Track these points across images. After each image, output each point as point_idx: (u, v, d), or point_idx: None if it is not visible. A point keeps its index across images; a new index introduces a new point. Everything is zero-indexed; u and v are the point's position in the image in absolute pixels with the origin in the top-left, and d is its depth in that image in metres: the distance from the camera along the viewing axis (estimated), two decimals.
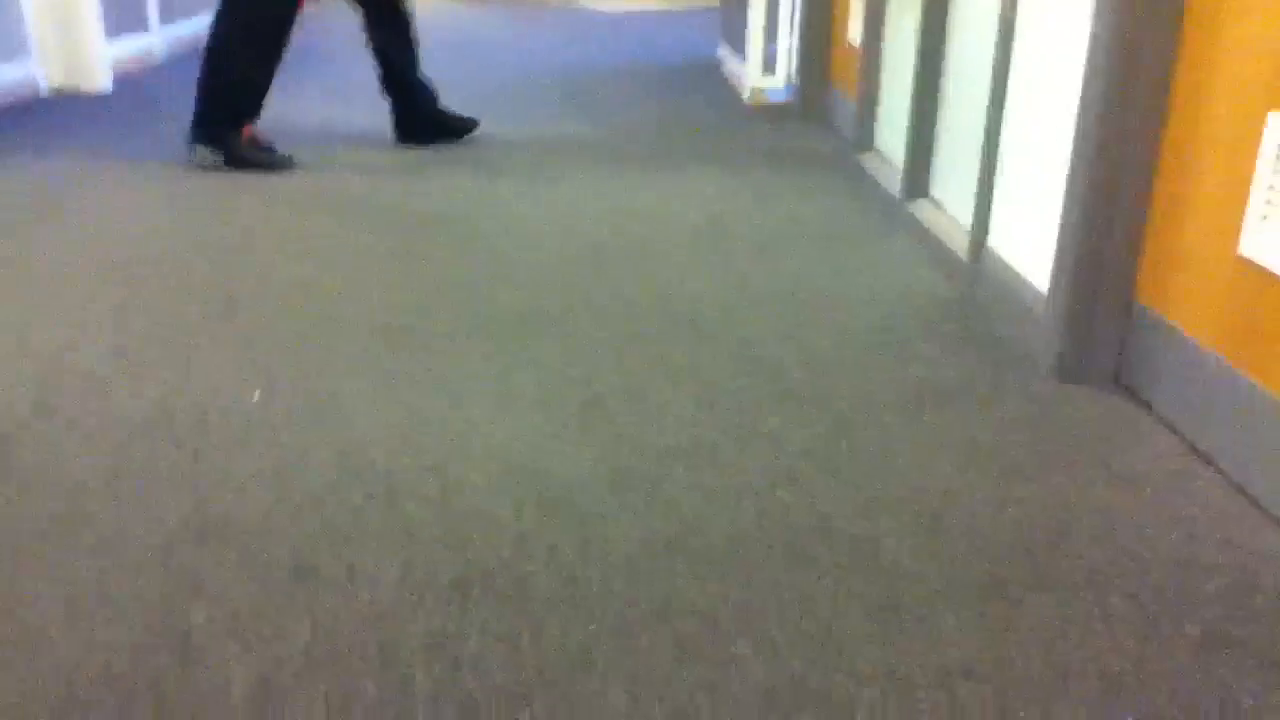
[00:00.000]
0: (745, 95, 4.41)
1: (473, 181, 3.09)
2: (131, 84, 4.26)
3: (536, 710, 1.05)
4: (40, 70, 3.93)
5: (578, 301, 2.17)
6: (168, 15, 4.95)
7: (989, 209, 2.23)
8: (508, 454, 1.54)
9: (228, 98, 3.08)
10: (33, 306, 2.04)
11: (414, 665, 1.11)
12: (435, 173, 3.16)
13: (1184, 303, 1.65)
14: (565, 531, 1.35)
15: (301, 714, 1.04)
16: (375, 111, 3.85)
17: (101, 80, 4.09)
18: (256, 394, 1.69)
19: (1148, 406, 1.73)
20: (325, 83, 4.67)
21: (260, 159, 3.14)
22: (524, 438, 1.60)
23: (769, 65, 4.37)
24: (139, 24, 4.66)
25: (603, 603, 1.21)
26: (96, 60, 4.08)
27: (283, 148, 3.33)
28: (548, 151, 3.48)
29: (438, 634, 1.16)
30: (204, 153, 3.08)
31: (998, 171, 2.20)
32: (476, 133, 3.65)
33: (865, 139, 3.31)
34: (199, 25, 5.42)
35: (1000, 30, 2.16)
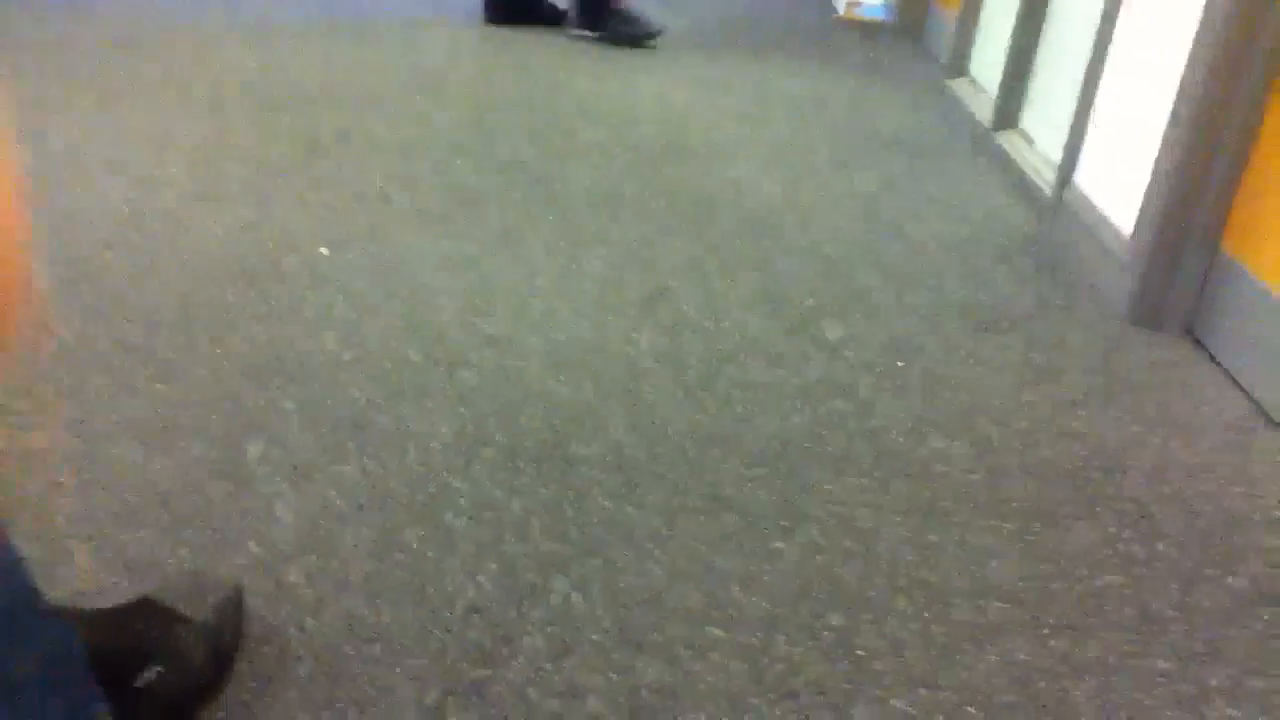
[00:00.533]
0: (839, 8, 4.28)
1: (555, 66, 3.06)
2: None
3: (573, 576, 1.07)
4: None
5: (654, 191, 2.15)
6: None
7: (1080, 145, 2.16)
8: (570, 329, 1.55)
9: None
10: (125, 138, 2.07)
11: (457, 523, 1.14)
12: (519, 55, 3.13)
13: (1272, 256, 1.60)
14: (618, 412, 1.37)
15: (343, 553, 1.07)
16: None
17: None
18: (325, 249, 1.71)
19: (1217, 360, 1.69)
20: None
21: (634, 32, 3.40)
22: (588, 315, 1.60)
23: None
24: None
25: (649, 485, 1.23)
26: None
27: (365, 20, 3.31)
28: (626, 52, 3.42)
29: (483, 496, 1.18)
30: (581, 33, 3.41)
31: (1093, 109, 2.12)
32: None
33: (961, 64, 3.20)
34: None
35: None
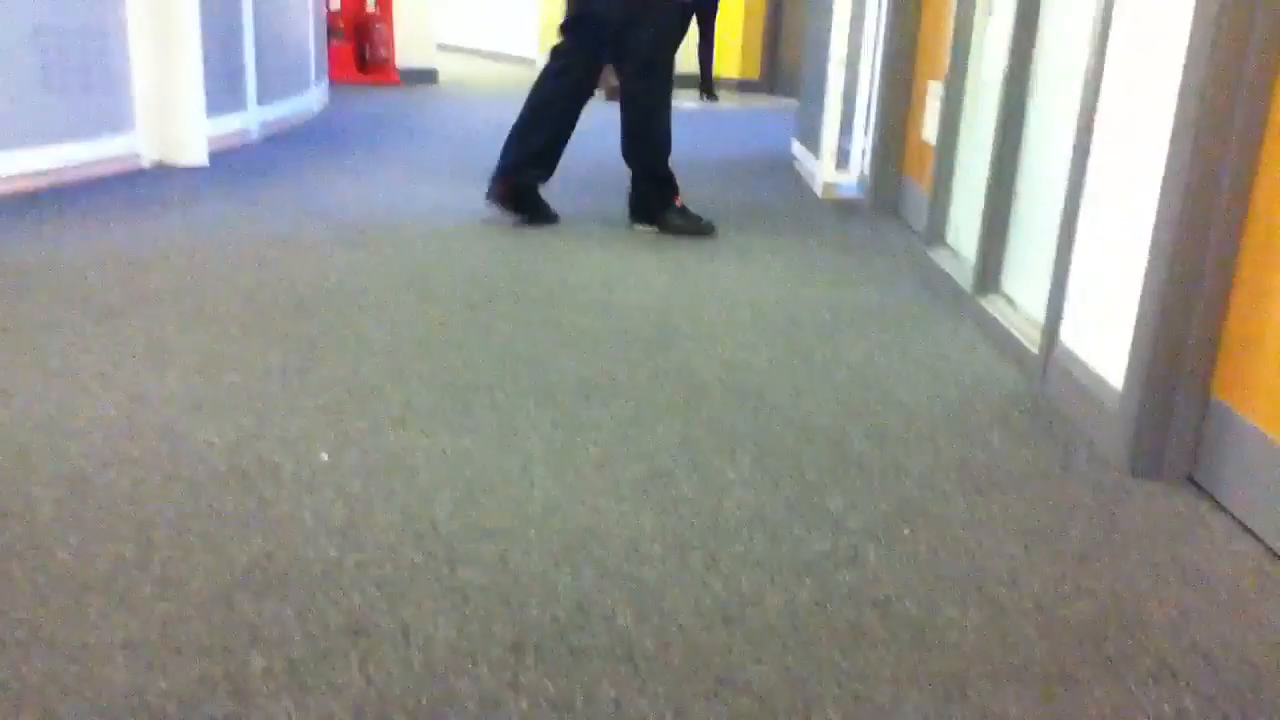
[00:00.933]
0: (818, 189, 4.45)
1: (543, 254, 3.15)
2: (225, 159, 4.45)
3: None
4: (142, 144, 4.12)
5: (644, 373, 2.18)
6: (264, 96, 5.18)
7: (1062, 304, 2.21)
8: (568, 518, 1.55)
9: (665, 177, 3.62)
10: (122, 350, 2.11)
11: None
12: (504, 249, 3.23)
13: (1264, 400, 1.61)
14: (622, 599, 1.34)
15: None
16: (450, 187, 3.96)
17: (198, 155, 4.28)
18: (325, 455, 1.72)
19: (1223, 506, 1.68)
20: (404, 160, 4.83)
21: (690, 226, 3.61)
22: (585, 503, 1.60)
23: (842, 161, 4.42)
24: (238, 104, 4.88)
25: (658, 673, 1.20)
26: (195, 136, 4.27)
27: (363, 221, 3.44)
28: (621, 231, 3.54)
29: (490, 696, 1.15)
30: (643, 229, 3.63)
31: (1072, 266, 2.18)
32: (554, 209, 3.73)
33: (937, 233, 3.31)
34: (288, 109, 5.66)
35: (1079, 127, 2.16)
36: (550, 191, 4.31)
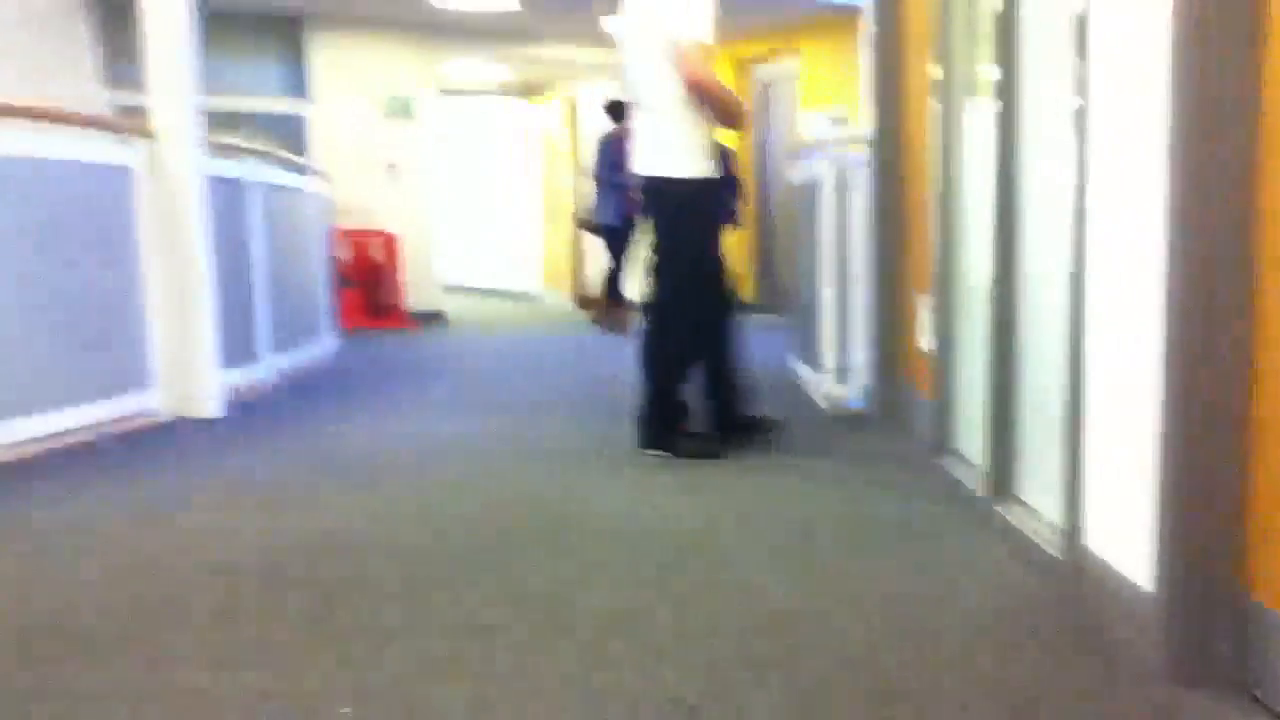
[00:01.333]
0: (821, 404, 4.51)
1: (551, 481, 3.16)
2: (240, 409, 4.53)
3: None
4: (159, 400, 4.22)
5: (663, 604, 2.15)
6: (277, 346, 5.33)
7: (1079, 505, 2.20)
8: None
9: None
10: (139, 609, 2.08)
11: None
12: (513, 477, 3.24)
13: None
14: None
15: None
16: (460, 423, 4.02)
17: (213, 407, 4.36)
18: (347, 710, 1.68)
19: (1274, 710, 1.62)
20: (416, 401, 4.91)
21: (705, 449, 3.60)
22: None
23: (842, 375, 4.50)
24: (251, 356, 5.02)
25: None
26: (210, 389, 4.37)
27: (376, 465, 3.47)
28: (627, 459, 3.56)
29: None
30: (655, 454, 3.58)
31: (1083, 466, 2.19)
32: (560, 437, 3.77)
33: (944, 441, 3.34)
34: (301, 357, 5.81)
35: (1070, 326, 2.22)
36: (555, 415, 4.37)
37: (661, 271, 3.62)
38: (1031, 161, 2.70)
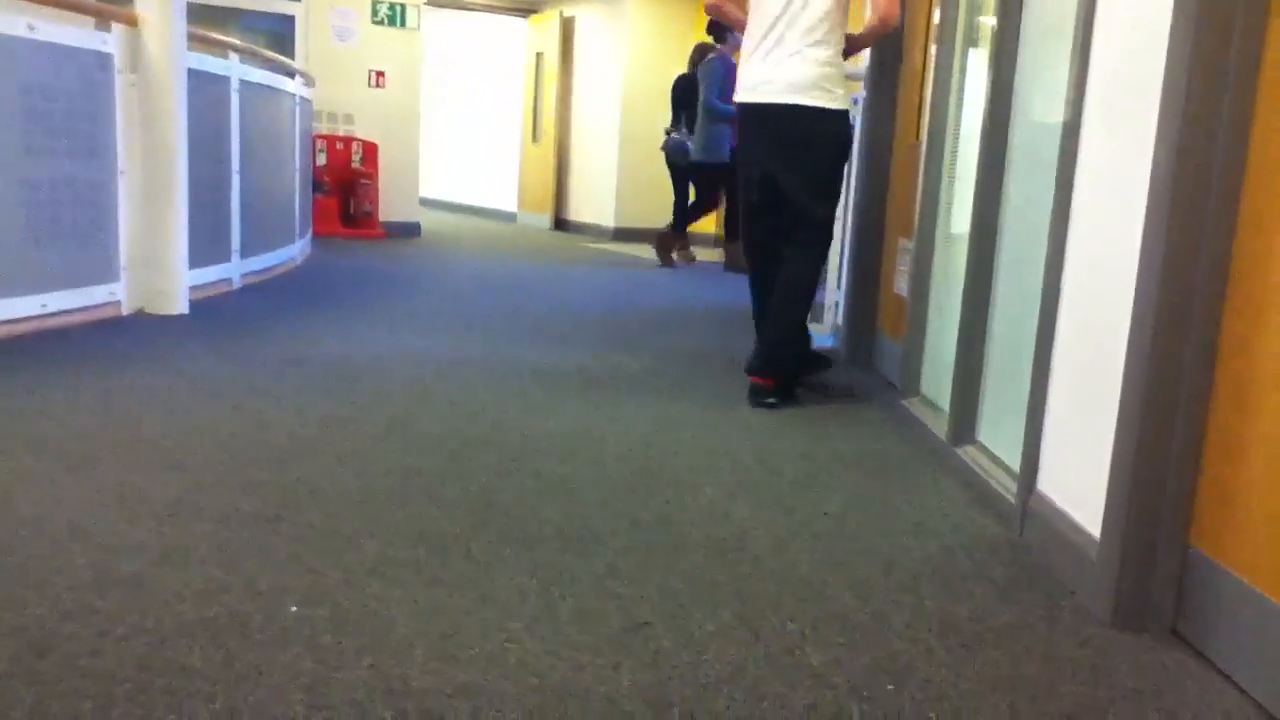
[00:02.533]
0: None
1: (518, 400, 3.16)
2: (207, 308, 4.49)
3: None
4: (124, 292, 4.16)
5: (622, 525, 2.16)
6: (248, 248, 5.26)
7: (1038, 453, 2.22)
8: (546, 672, 1.50)
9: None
10: (94, 499, 2.07)
11: None
12: (481, 397, 3.24)
13: (1244, 549, 1.61)
14: None
15: None
16: (430, 337, 3.99)
17: (179, 304, 4.31)
18: (294, 607, 1.68)
19: (1208, 659, 1.66)
20: (385, 312, 4.88)
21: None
22: (562, 657, 1.56)
23: (817, 315, 4.50)
24: (221, 255, 4.96)
25: None
26: (177, 286, 4.32)
27: (342, 372, 3.45)
28: (598, 382, 3.56)
29: None
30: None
31: (1046, 415, 2.21)
32: (536, 360, 3.76)
33: (912, 384, 3.35)
34: (272, 260, 5.75)
35: (1046, 281, 2.22)
36: (527, 343, 4.37)
37: (806, 204, 3.42)
38: (1024, 113, 2.67)
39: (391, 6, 8.77)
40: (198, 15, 4.45)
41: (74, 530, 1.95)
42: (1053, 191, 2.22)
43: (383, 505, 2.20)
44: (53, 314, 3.77)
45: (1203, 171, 1.69)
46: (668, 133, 7.95)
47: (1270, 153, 1.62)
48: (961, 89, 3.27)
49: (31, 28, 3.65)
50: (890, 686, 1.53)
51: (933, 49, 3.40)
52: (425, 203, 10.00)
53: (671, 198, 8.09)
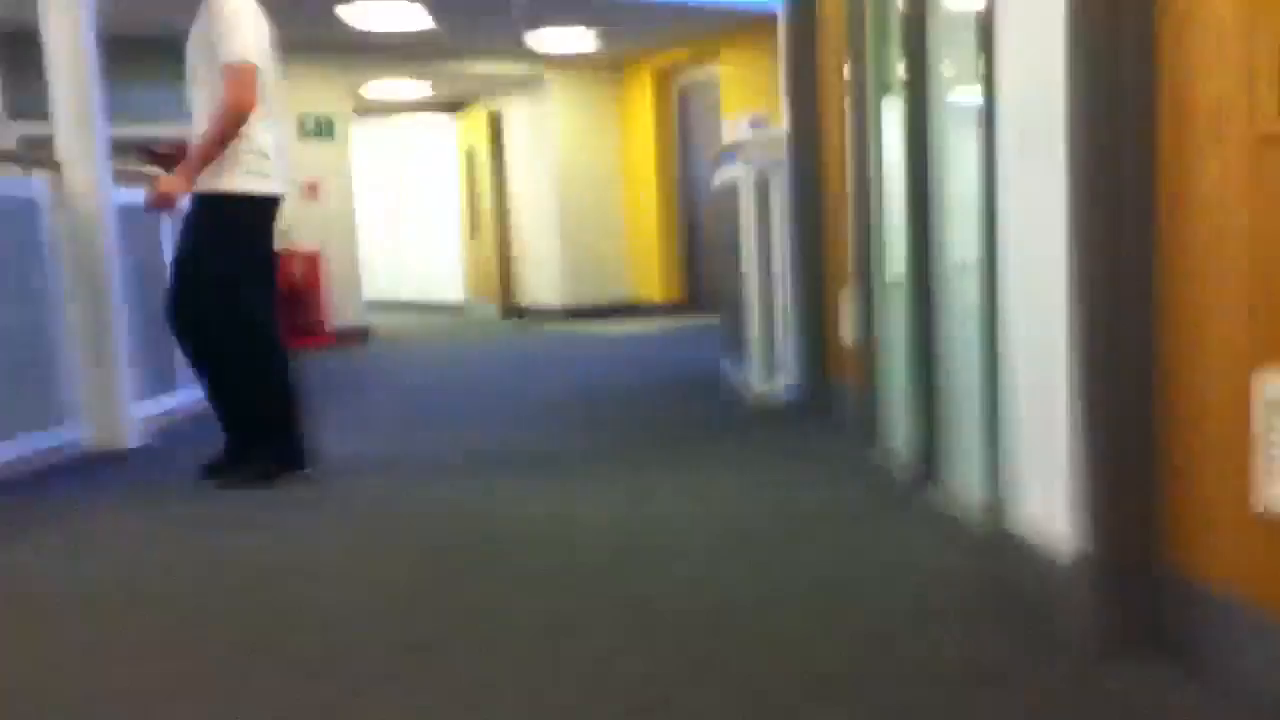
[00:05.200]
0: (750, 399, 4.55)
1: (486, 493, 3.15)
2: (160, 439, 4.44)
3: None
4: (77, 430, 4.11)
5: (604, 610, 2.15)
6: (188, 379, 5.23)
7: (998, 484, 2.25)
8: None
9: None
10: (56, 640, 2.03)
11: None
12: (447, 494, 3.22)
13: (1214, 562, 1.64)
14: None
15: None
16: (386, 439, 3.97)
17: (132, 438, 4.27)
18: None
19: (1193, 673, 1.67)
20: (341, 418, 4.86)
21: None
22: None
23: (769, 370, 4.55)
24: (167, 385, 4.92)
25: None
26: (128, 420, 4.27)
27: (303, 484, 3.43)
28: (564, 462, 3.56)
29: None
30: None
31: (1003, 447, 2.24)
32: (497, 450, 3.75)
33: (870, 430, 3.39)
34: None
35: (983, 308, 2.27)
36: (487, 434, 4.36)
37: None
38: (943, 155, 2.76)
39: (318, 121, 8.86)
40: (123, 148, 4.45)
41: (37, 688, 1.91)
42: (978, 227, 2.29)
43: (361, 622, 2.17)
44: (6, 462, 3.71)
45: (1114, 191, 1.75)
46: None
47: (1179, 186, 1.68)
48: (879, 142, 3.36)
49: None
50: None
51: (847, 100, 3.49)
52: (373, 304, 10.01)
53: (614, 273, 8.18)
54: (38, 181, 4.06)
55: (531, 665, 1.88)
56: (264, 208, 3.45)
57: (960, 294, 2.66)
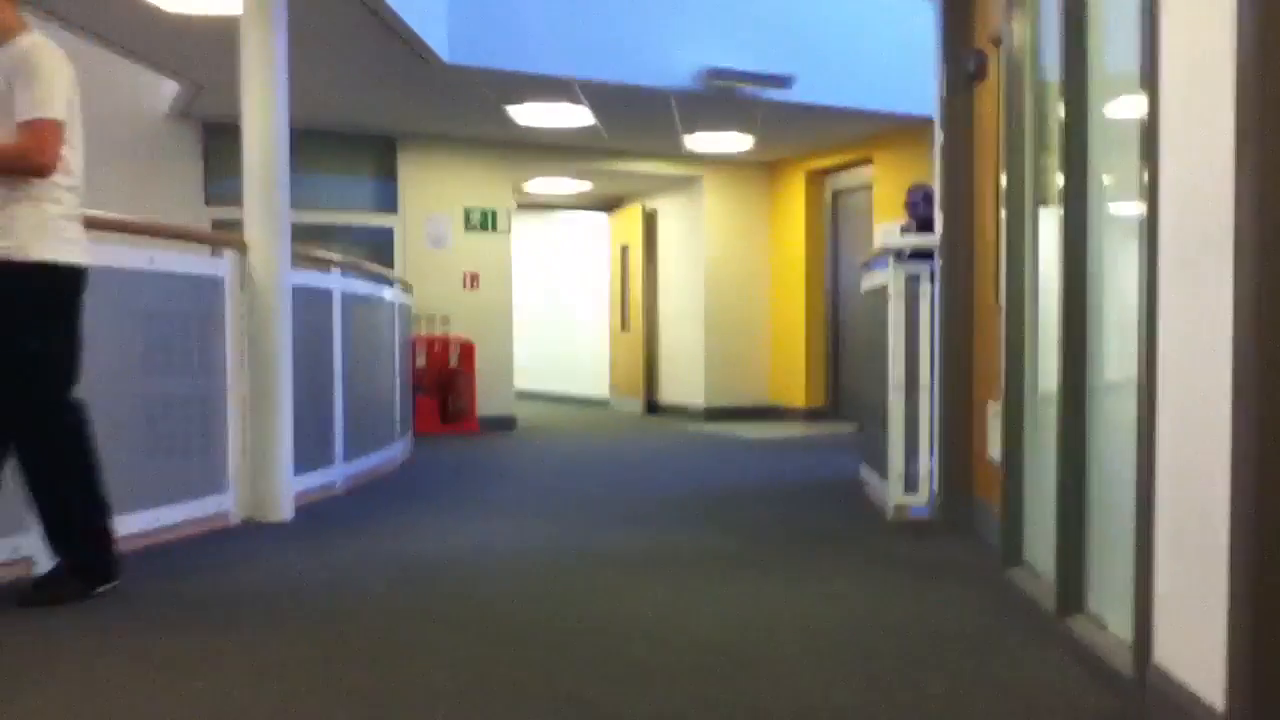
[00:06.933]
0: (888, 512, 4.43)
1: (609, 593, 3.14)
2: (311, 513, 4.61)
3: None
4: (232, 502, 4.31)
5: (717, 713, 2.10)
6: (351, 451, 5.44)
7: (1150, 620, 2.11)
8: None
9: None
10: (190, 709, 2.10)
11: None
12: (573, 584, 3.22)
13: None
14: None
15: None
16: (523, 528, 4.02)
17: (284, 511, 4.45)
18: None
19: None
20: (481, 506, 4.95)
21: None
22: None
23: (911, 483, 4.43)
24: (325, 460, 5.13)
25: None
26: (283, 494, 4.47)
27: (436, 568, 3.49)
28: (693, 563, 3.52)
29: None
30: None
31: (1155, 581, 2.11)
32: (626, 545, 3.75)
33: (1013, 552, 3.24)
34: (374, 461, 5.92)
35: (1140, 435, 2.16)
36: (618, 528, 4.37)
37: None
38: (1100, 269, 2.67)
39: (483, 213, 9.24)
40: (303, 233, 4.75)
41: None
42: (1136, 342, 2.19)
43: (477, 707, 2.18)
44: (165, 527, 3.92)
45: None
46: None
47: None
48: (1035, 250, 3.28)
49: (152, 260, 3.95)
50: None
51: (1002, 208, 3.44)
52: (520, 394, 10.24)
53: (756, 375, 8.13)
54: (224, 260, 4.36)
55: None
56: (77, 280, 3.01)
57: (1114, 413, 2.55)
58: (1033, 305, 3.27)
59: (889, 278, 4.47)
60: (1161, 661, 2.06)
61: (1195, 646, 1.91)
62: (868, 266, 5.26)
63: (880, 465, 4.70)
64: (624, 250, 12.11)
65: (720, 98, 7.45)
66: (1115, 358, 2.58)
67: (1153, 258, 2.14)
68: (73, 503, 3.04)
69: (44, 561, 3.14)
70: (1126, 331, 2.38)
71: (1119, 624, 2.39)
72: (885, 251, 4.68)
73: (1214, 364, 1.83)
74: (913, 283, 4.42)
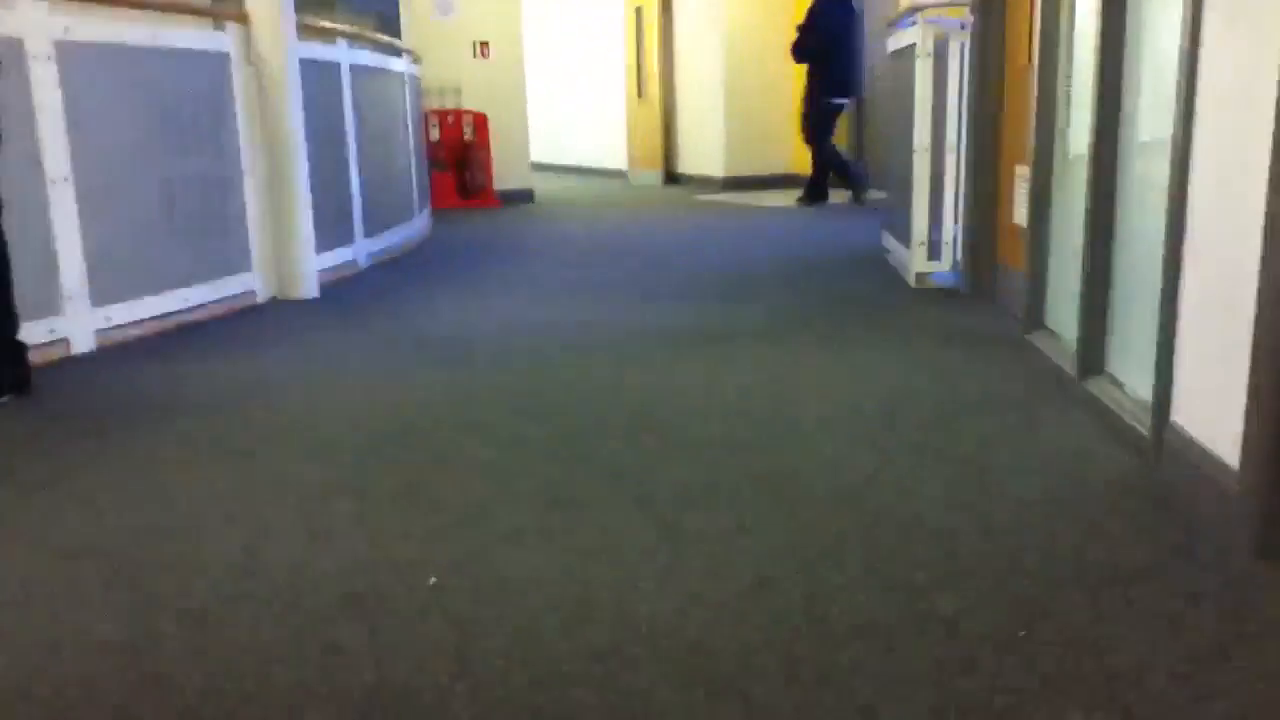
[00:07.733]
0: (911, 280, 4.43)
1: (638, 367, 3.20)
2: (335, 291, 4.66)
3: None
4: (258, 281, 4.35)
5: (747, 481, 2.18)
6: (370, 229, 5.43)
7: (1170, 381, 2.14)
8: (676, 634, 1.54)
9: None
10: (245, 485, 2.20)
11: None
12: (601, 360, 3.29)
13: None
14: (732, 715, 1.33)
15: None
16: (546, 304, 4.06)
17: (309, 289, 4.49)
18: (433, 579, 1.76)
19: None
20: (504, 281, 4.98)
21: None
22: (693, 616, 1.59)
23: (934, 250, 4.40)
24: (346, 238, 5.13)
25: None
26: (305, 272, 4.50)
27: (466, 344, 3.55)
28: (717, 336, 3.57)
29: None
30: None
31: (1177, 342, 2.13)
32: (653, 320, 3.79)
33: (1036, 317, 3.26)
34: (394, 238, 5.91)
35: (1170, 197, 2.13)
36: (644, 303, 4.39)
37: None
38: (1139, 21, 2.55)
39: None
40: (303, 4, 4.57)
41: (228, 517, 2.08)
42: (1173, 106, 2.12)
43: (512, 475, 2.27)
44: (194, 307, 3.98)
45: None
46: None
47: None
48: (1072, 6, 3.12)
49: (155, 36, 3.82)
50: (1022, 633, 1.51)
51: None
52: (536, 167, 10.10)
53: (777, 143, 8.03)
54: (228, 35, 4.21)
55: (669, 530, 1.93)
56: None
57: (1145, 174, 2.49)
58: (1067, 63, 3.15)
59: (917, 35, 4.28)
60: (1179, 420, 2.10)
61: (1214, 406, 1.94)
62: (894, 25, 5.04)
63: (903, 233, 4.66)
64: (638, 11, 11.61)
65: None
66: (1149, 116, 2.49)
67: (1197, 9, 2.03)
68: None
69: None
70: (1163, 91, 2.29)
71: (1139, 386, 2.42)
72: (914, 8, 4.46)
73: (1254, 119, 1.77)
74: (941, 41, 4.23)
